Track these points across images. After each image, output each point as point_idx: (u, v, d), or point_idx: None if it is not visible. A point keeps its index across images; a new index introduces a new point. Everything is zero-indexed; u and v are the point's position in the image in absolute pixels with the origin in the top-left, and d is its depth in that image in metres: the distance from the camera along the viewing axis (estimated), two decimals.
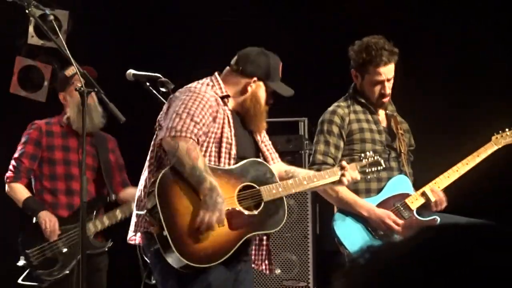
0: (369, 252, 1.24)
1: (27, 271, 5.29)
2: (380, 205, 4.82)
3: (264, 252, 4.29)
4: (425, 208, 4.87)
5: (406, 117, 5.13)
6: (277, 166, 4.32)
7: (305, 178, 4.25)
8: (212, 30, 6.90)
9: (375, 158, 4.54)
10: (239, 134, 4.19)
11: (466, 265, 1.16)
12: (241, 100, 4.22)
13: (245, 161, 4.14)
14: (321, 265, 6.19)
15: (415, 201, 4.86)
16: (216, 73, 4.28)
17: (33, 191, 5.48)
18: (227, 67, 4.30)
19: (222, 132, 4.10)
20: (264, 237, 4.28)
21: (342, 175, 4.31)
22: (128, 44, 6.98)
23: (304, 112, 6.47)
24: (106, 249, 5.48)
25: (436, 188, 4.87)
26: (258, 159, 4.24)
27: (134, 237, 4.14)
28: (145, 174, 4.13)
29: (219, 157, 4.08)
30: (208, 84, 4.18)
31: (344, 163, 4.37)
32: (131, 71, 4.82)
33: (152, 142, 4.15)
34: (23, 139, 5.49)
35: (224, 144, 4.09)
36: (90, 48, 6.47)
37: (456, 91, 6.61)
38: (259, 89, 4.22)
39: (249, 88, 4.21)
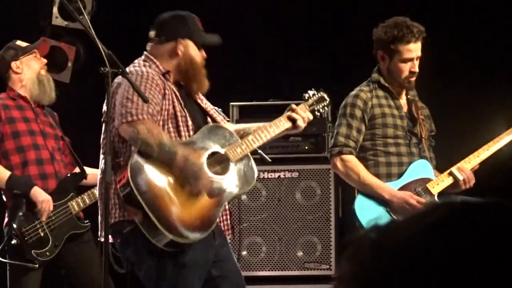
0: (376, 230, 1.21)
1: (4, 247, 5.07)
2: (401, 189, 4.82)
3: (226, 217, 4.27)
4: (453, 188, 4.87)
5: (426, 103, 5.11)
6: (229, 126, 4.33)
7: (262, 131, 4.25)
8: (238, 14, 6.89)
9: (319, 94, 4.52)
10: (188, 106, 4.19)
11: (481, 248, 1.12)
12: (176, 65, 4.19)
13: (202, 128, 4.15)
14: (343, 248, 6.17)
15: (436, 186, 4.86)
16: (145, 53, 4.24)
17: None
18: (148, 44, 4.26)
19: (174, 107, 4.08)
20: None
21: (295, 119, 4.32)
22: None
23: (327, 94, 6.46)
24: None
25: (464, 166, 4.86)
26: (214, 124, 4.25)
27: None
28: (102, 166, 4.04)
29: (179, 131, 4.08)
30: (145, 65, 4.15)
31: (293, 106, 4.36)
32: None
33: (102, 136, 4.04)
34: None
35: (179, 118, 4.08)
36: (112, 29, 6.48)
37: (477, 75, 6.57)
38: (188, 48, 4.20)
39: (178, 51, 4.18)
